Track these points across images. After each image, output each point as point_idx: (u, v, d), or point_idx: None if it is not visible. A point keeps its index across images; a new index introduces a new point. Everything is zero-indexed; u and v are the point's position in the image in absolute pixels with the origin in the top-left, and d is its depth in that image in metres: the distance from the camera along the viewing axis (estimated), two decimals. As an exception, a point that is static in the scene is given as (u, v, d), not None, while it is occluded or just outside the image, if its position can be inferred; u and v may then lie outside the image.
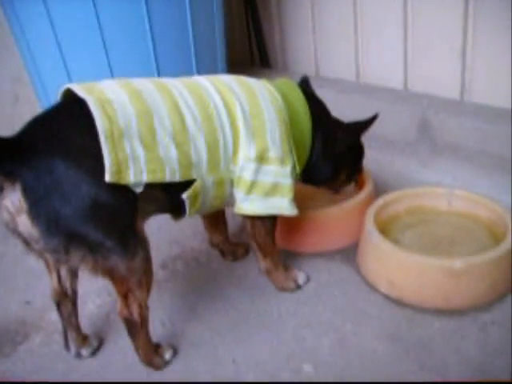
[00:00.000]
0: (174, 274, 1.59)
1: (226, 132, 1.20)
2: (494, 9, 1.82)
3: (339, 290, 1.43)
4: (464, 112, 1.93)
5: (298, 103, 1.35)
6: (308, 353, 1.24)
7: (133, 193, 1.08)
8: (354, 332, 1.29)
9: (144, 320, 1.18)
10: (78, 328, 1.31)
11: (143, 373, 1.24)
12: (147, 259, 1.14)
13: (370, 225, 1.45)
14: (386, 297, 1.38)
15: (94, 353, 1.32)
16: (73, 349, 1.31)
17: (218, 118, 1.20)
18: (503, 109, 1.88)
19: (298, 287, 1.45)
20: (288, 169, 1.28)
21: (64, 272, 1.24)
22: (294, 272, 1.47)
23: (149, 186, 1.10)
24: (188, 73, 1.91)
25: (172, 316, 1.41)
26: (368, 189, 1.64)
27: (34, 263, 1.59)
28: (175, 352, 1.28)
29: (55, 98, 1.17)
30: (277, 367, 1.22)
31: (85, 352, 1.31)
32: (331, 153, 1.43)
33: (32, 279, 1.63)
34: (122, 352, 1.30)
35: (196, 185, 1.18)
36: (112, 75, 1.84)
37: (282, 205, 1.30)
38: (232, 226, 1.65)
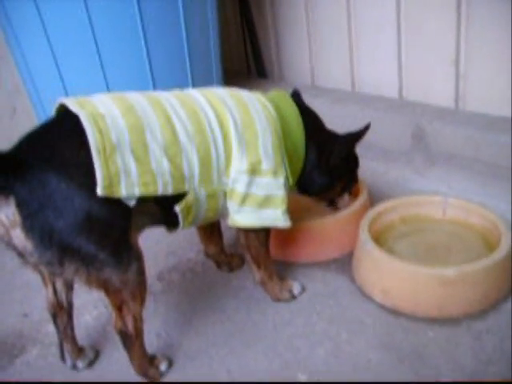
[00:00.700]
0: (170, 285, 1.59)
1: (218, 145, 1.21)
2: (486, 17, 1.83)
3: (334, 299, 1.44)
4: (458, 120, 1.94)
5: (291, 115, 1.36)
6: (303, 363, 1.25)
7: (126, 206, 1.09)
8: (348, 341, 1.29)
9: (138, 332, 1.18)
10: (73, 340, 1.31)
11: (139, 385, 1.24)
12: (141, 271, 1.14)
13: (364, 234, 1.46)
14: (381, 306, 1.38)
15: (90, 364, 1.32)
16: (69, 361, 1.31)
17: (210, 131, 1.20)
18: (497, 117, 1.90)
19: (293, 297, 1.45)
20: (281, 180, 1.29)
21: (59, 284, 1.25)
22: (288, 282, 1.47)
23: (142, 199, 1.11)
24: (183, 83, 1.93)
25: (168, 327, 1.42)
26: (363, 198, 1.64)
27: (32, 276, 1.58)
28: (170, 363, 1.29)
29: (51, 108, 1.18)
30: (272, 377, 1.22)
31: (81, 364, 1.31)
32: (325, 164, 1.44)
33: (29, 292, 1.63)
34: (118, 363, 1.31)
35: (188, 197, 1.19)
36: (107, 87, 1.85)
37: (276, 216, 1.31)
38: (227, 236, 1.66)
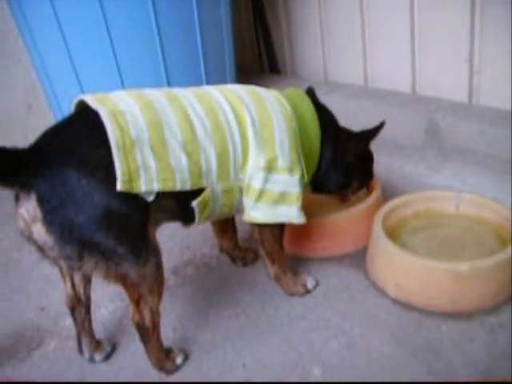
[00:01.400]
0: (184, 279, 1.61)
1: (235, 141, 1.23)
2: (500, 13, 1.82)
3: (348, 294, 1.45)
4: (472, 115, 1.93)
5: (307, 112, 1.37)
6: (317, 356, 1.26)
7: (144, 201, 1.10)
8: (362, 335, 1.30)
9: (155, 325, 1.20)
10: (91, 333, 1.34)
11: (155, 377, 1.26)
12: (159, 266, 1.16)
13: (378, 229, 1.47)
14: (394, 300, 1.39)
15: (108, 357, 1.34)
16: (86, 353, 1.33)
17: (227, 128, 1.22)
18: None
19: (307, 292, 1.47)
20: (297, 177, 1.30)
21: (77, 278, 1.27)
22: (302, 277, 1.49)
23: (160, 195, 1.12)
24: (197, 80, 1.94)
25: (183, 321, 1.43)
26: (376, 193, 1.65)
27: (49, 270, 1.63)
28: (186, 356, 1.30)
29: (66, 106, 1.20)
30: (286, 371, 1.23)
31: (98, 357, 1.33)
32: (341, 162, 1.45)
33: (47, 286, 1.66)
34: (134, 356, 1.33)
35: (206, 193, 1.21)
36: (122, 85, 1.87)
37: (291, 213, 1.32)
38: (241, 231, 1.67)
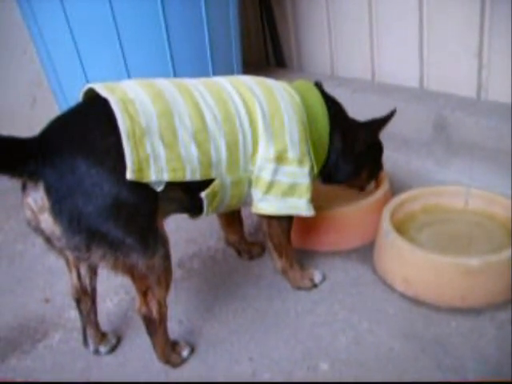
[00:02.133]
0: (190, 272, 1.60)
1: (245, 132, 1.21)
2: (510, 7, 1.81)
3: (355, 288, 1.44)
4: (480, 110, 1.92)
5: (316, 104, 1.36)
6: (324, 351, 1.25)
7: (153, 191, 1.09)
8: (370, 330, 1.29)
9: (162, 317, 1.19)
10: (96, 325, 1.33)
11: (161, 370, 1.25)
12: (167, 257, 1.15)
13: (386, 224, 1.45)
14: (402, 295, 1.38)
15: (113, 350, 1.34)
16: (91, 346, 1.32)
17: (237, 118, 1.21)
18: (520, 107, 1.87)
19: (315, 286, 1.46)
20: (306, 169, 1.29)
21: (84, 269, 1.26)
22: (309, 271, 1.48)
23: (169, 185, 1.11)
24: (204, 74, 1.93)
25: (189, 314, 1.42)
26: (384, 188, 1.64)
27: (54, 262, 1.62)
28: (192, 350, 1.29)
29: (72, 98, 1.18)
30: (293, 365, 1.22)
31: (103, 349, 1.33)
32: (351, 152, 1.44)
33: (51, 277, 1.65)
34: (139, 349, 1.32)
35: (215, 184, 1.19)
36: (129, 76, 1.86)
37: (300, 205, 1.31)
38: (248, 225, 1.66)
